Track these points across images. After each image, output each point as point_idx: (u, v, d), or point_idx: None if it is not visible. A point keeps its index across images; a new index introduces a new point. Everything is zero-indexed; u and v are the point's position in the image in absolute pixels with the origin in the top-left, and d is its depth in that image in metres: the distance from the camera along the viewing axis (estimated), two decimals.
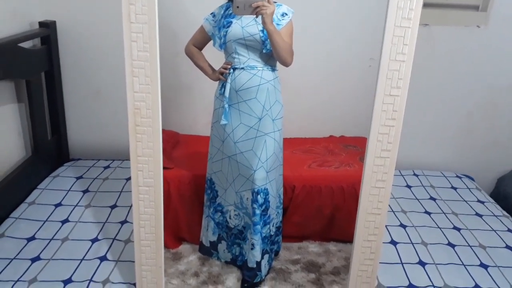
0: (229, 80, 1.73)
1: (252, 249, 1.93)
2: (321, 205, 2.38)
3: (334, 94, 2.79)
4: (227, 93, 1.73)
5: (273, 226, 2.02)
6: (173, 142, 2.58)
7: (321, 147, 2.78)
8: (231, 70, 1.73)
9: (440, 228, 1.99)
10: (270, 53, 1.68)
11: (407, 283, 1.60)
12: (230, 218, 1.99)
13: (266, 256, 2.05)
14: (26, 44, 2.14)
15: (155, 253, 1.32)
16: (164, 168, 2.31)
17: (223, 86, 1.76)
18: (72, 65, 2.46)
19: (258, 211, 1.86)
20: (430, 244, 1.85)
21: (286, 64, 1.67)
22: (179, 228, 2.34)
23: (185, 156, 2.49)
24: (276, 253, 2.18)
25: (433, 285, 1.60)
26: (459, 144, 2.73)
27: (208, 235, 2.12)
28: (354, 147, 2.80)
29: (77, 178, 2.26)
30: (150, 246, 1.32)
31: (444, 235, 1.93)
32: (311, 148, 2.79)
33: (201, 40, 1.85)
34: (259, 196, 1.83)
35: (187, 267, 2.24)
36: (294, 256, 2.34)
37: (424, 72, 2.57)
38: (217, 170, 1.95)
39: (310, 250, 2.43)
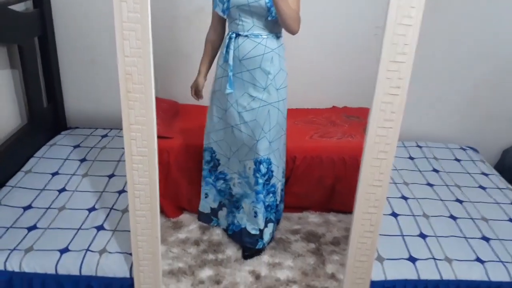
0: (232, 47, 1.67)
1: (255, 216, 1.93)
2: (322, 176, 2.36)
3: (337, 64, 2.71)
4: (230, 61, 1.68)
5: (278, 195, 2.00)
6: (173, 111, 2.54)
7: (323, 118, 2.74)
8: (234, 35, 1.67)
9: (442, 200, 1.96)
10: (276, 20, 1.61)
11: (407, 255, 1.59)
12: (234, 186, 1.99)
13: (270, 225, 2.05)
14: (17, 7, 2.06)
15: (150, 223, 1.30)
16: (164, 137, 2.33)
17: (226, 53, 1.71)
18: (67, 29, 2.38)
19: (261, 180, 1.86)
20: (432, 216, 1.83)
21: (292, 32, 1.60)
22: (179, 198, 2.34)
23: (186, 126, 2.45)
24: (277, 221, 2.18)
25: (433, 258, 1.58)
26: (464, 115, 2.66)
27: (208, 201, 2.13)
28: (357, 118, 2.76)
29: (74, 147, 2.23)
30: (146, 216, 1.29)
31: (446, 207, 1.90)
32: (313, 119, 2.76)
33: (217, 21, 1.78)
34: (261, 165, 1.82)
35: (187, 236, 2.25)
36: (294, 226, 2.34)
37: (428, 41, 2.47)
38: (219, 139, 1.92)
39: (310, 220, 2.43)
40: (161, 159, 2.25)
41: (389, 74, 1.14)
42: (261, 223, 1.95)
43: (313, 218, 2.44)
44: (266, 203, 1.95)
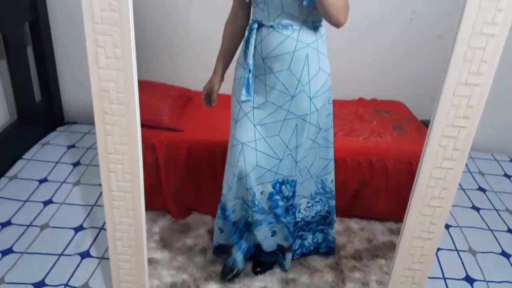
0: (252, 41, 1.30)
1: (272, 236, 1.63)
2: (346, 179, 2.12)
3: (367, 51, 2.42)
4: (250, 59, 1.30)
5: (301, 209, 1.69)
6: (184, 100, 2.29)
7: (349, 111, 2.49)
8: (255, 25, 1.29)
9: (491, 230, 1.65)
10: (314, 6, 1.23)
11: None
12: (233, 213, 1.61)
13: (298, 242, 1.75)
14: None
15: (136, 269, 1.04)
16: (172, 129, 2.09)
17: (246, 48, 1.33)
18: (62, 13, 2.10)
19: (281, 203, 1.53)
20: (480, 252, 1.53)
21: (337, 24, 1.22)
22: (187, 198, 2.13)
23: (198, 117, 2.20)
24: (331, 249, 1.88)
25: None
26: None
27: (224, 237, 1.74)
28: (387, 113, 2.49)
29: (69, 147, 1.99)
30: (130, 261, 1.04)
31: (497, 240, 1.60)
32: (338, 112, 2.49)
33: (238, 4, 1.38)
34: (283, 187, 1.50)
35: (195, 242, 2.03)
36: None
37: None
38: (227, 161, 1.54)
39: None
40: (169, 155, 2.03)
41: (456, 100, 0.83)
42: (281, 241, 1.64)
43: None
44: (292, 229, 1.63)
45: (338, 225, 2.20)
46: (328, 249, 1.82)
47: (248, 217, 1.59)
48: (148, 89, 2.37)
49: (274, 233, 1.62)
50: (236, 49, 1.45)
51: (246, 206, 1.56)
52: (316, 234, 1.78)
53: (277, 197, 1.52)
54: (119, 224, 0.99)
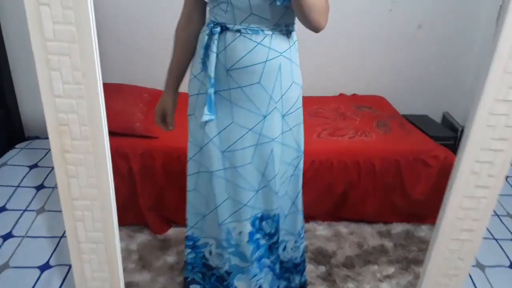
0: (214, 49, 1.07)
1: None
2: (333, 182, 2.10)
3: (345, 45, 2.41)
4: (212, 71, 1.08)
5: (288, 248, 1.49)
6: (157, 103, 2.14)
7: (330, 109, 2.46)
8: (217, 30, 1.07)
9: (496, 239, 1.56)
10: (288, 7, 1.05)
11: None
12: (210, 255, 1.36)
13: (283, 283, 1.53)
14: None
15: None
16: (146, 137, 1.94)
17: (205, 57, 1.10)
18: (16, 20, 1.90)
19: (263, 242, 1.32)
20: (488, 267, 1.43)
21: (317, 28, 1.04)
22: (166, 209, 2.06)
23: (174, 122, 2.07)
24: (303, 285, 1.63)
25: None
26: None
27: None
28: (369, 109, 2.48)
29: (31, 168, 1.77)
30: None
31: (504, 252, 1.50)
32: (319, 110, 2.45)
33: (192, 4, 1.17)
34: (264, 223, 1.29)
35: (176, 259, 1.91)
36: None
37: None
38: (191, 189, 1.33)
39: (318, 233, 2.14)
40: (144, 164, 1.88)
41: (492, 120, 0.70)
42: None
43: (321, 230, 2.15)
44: (278, 271, 1.41)
45: (327, 231, 2.10)
46: None
47: (225, 266, 1.33)
48: (118, 93, 2.20)
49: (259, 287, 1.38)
50: (190, 59, 1.23)
51: (220, 249, 1.31)
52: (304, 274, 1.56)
53: (258, 235, 1.30)
54: (91, 280, 0.81)
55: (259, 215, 1.27)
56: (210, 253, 1.35)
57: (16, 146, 1.92)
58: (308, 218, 2.14)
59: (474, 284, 1.36)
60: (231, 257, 1.30)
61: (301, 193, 1.39)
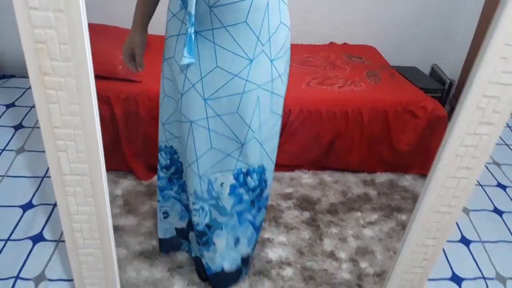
0: None
1: (235, 245, 1.35)
2: (320, 132, 2.06)
3: None
4: (192, 8, 0.96)
5: (263, 210, 1.41)
6: None
7: (320, 57, 2.39)
8: None
9: (481, 185, 1.58)
10: None
11: (449, 274, 1.23)
12: (192, 211, 1.30)
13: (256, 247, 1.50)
14: None
15: (102, 263, 0.85)
16: (130, 81, 1.85)
17: None
18: None
19: (246, 197, 1.25)
20: (473, 210, 1.46)
21: None
22: (152, 156, 1.95)
23: (157, 65, 1.97)
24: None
25: (482, 276, 1.23)
26: None
27: (172, 221, 1.45)
28: (360, 59, 2.42)
29: (7, 107, 1.68)
30: (94, 255, 0.84)
31: (487, 195, 1.53)
32: (309, 58, 2.38)
33: None
34: (249, 177, 1.22)
35: None
36: (286, 190, 2.02)
37: None
38: (175, 136, 1.24)
39: (304, 181, 2.13)
40: (128, 109, 1.81)
41: (507, 51, 0.66)
42: (245, 249, 1.37)
43: (306, 178, 2.14)
44: (257, 224, 1.37)
45: (311, 179, 2.10)
46: None
47: (203, 221, 1.27)
48: (99, 34, 2.07)
49: (237, 241, 1.34)
50: None
51: (200, 202, 1.23)
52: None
53: (241, 190, 1.24)
54: (76, 214, 0.78)
55: (244, 170, 1.19)
56: (192, 209, 1.27)
57: None
58: (294, 167, 2.13)
59: (458, 226, 1.39)
60: (212, 210, 1.24)
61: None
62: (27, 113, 1.67)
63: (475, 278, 1.22)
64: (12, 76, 1.93)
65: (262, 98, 1.09)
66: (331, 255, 1.77)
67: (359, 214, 1.95)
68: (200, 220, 1.25)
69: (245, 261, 1.41)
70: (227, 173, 1.17)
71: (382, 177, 2.15)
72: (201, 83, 1.06)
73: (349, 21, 2.46)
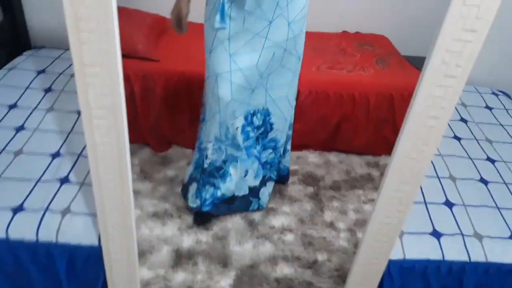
0: None
1: (245, 176, 1.61)
2: (328, 113, 2.17)
3: None
4: None
5: (278, 151, 1.67)
6: (160, 29, 2.18)
7: (332, 44, 2.47)
8: None
9: (471, 158, 1.68)
10: None
11: (430, 229, 1.34)
12: (206, 158, 1.54)
13: (270, 184, 1.74)
14: None
15: (120, 188, 1.01)
16: (148, 59, 2.00)
17: None
18: None
19: (252, 134, 1.49)
20: (460, 179, 1.56)
21: None
22: (166, 131, 2.11)
23: (174, 47, 2.12)
24: (283, 179, 1.87)
25: (461, 233, 1.34)
26: (500, 53, 2.28)
27: (248, 180, 1.66)
28: (371, 47, 2.48)
29: (39, 73, 1.85)
30: (113, 182, 0.99)
31: (476, 168, 1.63)
32: (321, 45, 2.49)
33: None
34: (255, 117, 1.45)
35: (176, 173, 2.06)
36: (292, 166, 2.17)
37: None
38: (207, 92, 1.48)
39: (310, 160, 2.26)
40: (145, 86, 1.96)
41: (464, 11, 0.77)
42: (251, 181, 1.63)
43: (312, 158, 2.27)
44: (263, 160, 1.61)
45: (317, 158, 2.23)
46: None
47: (220, 158, 1.52)
48: (121, 16, 2.21)
49: (246, 173, 1.59)
50: None
51: (219, 144, 1.49)
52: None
53: (249, 128, 1.48)
54: (101, 144, 0.93)
55: (252, 111, 1.42)
56: (207, 156, 1.53)
57: (24, 54, 1.99)
58: (301, 146, 2.25)
59: (444, 191, 1.50)
60: (228, 148, 1.47)
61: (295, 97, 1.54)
62: (56, 79, 1.84)
63: (453, 234, 1.33)
64: (42, 47, 2.11)
65: (276, 54, 1.32)
66: (331, 225, 1.91)
67: (360, 192, 2.08)
68: (218, 157, 1.50)
69: (253, 192, 1.66)
70: (240, 117, 1.41)
71: (386, 160, 2.26)
72: (228, 42, 1.28)
73: (362, 10, 2.53)
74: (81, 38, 0.77)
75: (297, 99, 2.04)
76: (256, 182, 1.65)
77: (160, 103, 2.00)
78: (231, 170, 1.55)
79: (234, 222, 1.80)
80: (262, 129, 1.52)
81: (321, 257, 1.75)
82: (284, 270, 1.68)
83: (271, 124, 1.52)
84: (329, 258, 1.76)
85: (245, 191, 1.65)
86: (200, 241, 1.72)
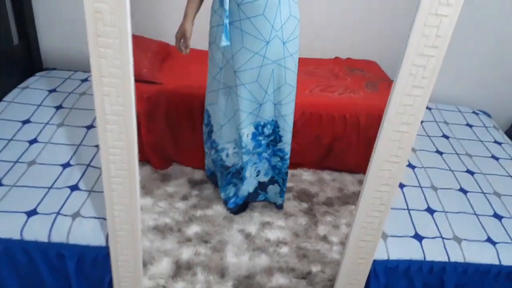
0: None
1: (257, 175, 1.81)
2: (320, 134, 2.26)
3: (344, 11, 2.46)
4: (226, 5, 1.38)
5: (286, 163, 1.83)
6: (163, 54, 2.32)
7: (325, 69, 2.59)
8: None
9: (452, 170, 1.80)
10: None
11: (413, 233, 1.45)
12: (227, 157, 1.77)
13: (277, 187, 1.91)
14: None
15: (128, 192, 1.12)
16: (152, 82, 2.13)
17: None
18: None
19: (264, 141, 1.68)
20: (441, 189, 1.68)
21: None
22: (167, 149, 2.20)
23: (176, 71, 2.25)
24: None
25: (441, 236, 1.44)
26: (480, 76, 2.45)
27: (260, 177, 1.91)
28: (361, 71, 2.61)
29: (50, 92, 1.99)
30: (123, 184, 1.11)
31: (456, 179, 1.75)
32: (314, 70, 2.61)
33: None
34: (265, 128, 1.63)
35: (175, 190, 2.14)
36: (287, 184, 2.23)
37: None
38: (213, 103, 1.68)
39: (304, 178, 2.35)
40: (148, 107, 2.08)
41: (426, 31, 0.92)
42: (262, 177, 1.83)
43: (306, 176, 2.36)
44: (273, 163, 1.78)
45: (311, 176, 2.33)
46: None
47: (239, 162, 1.74)
48: None
49: (258, 173, 1.79)
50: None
51: (237, 149, 1.69)
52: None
53: (260, 137, 1.66)
54: (112, 147, 1.05)
55: (262, 123, 1.60)
56: (227, 155, 1.74)
57: (36, 74, 2.13)
58: (295, 165, 2.35)
59: (425, 199, 1.62)
60: (243, 156, 1.68)
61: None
62: (66, 97, 1.97)
63: (434, 237, 1.44)
64: (53, 68, 2.26)
65: (276, 71, 1.49)
66: (324, 238, 2.01)
67: (353, 207, 2.17)
68: (238, 161, 1.72)
69: (262, 186, 1.86)
70: (250, 125, 1.60)
71: None
72: (232, 59, 1.47)
73: (354, 38, 2.67)
74: (100, 52, 0.91)
75: None
76: (266, 179, 1.84)
77: (162, 122, 2.11)
78: (247, 174, 1.75)
79: (230, 236, 1.89)
80: (272, 137, 1.69)
81: (315, 268, 1.84)
82: (280, 280, 1.77)
83: (280, 136, 1.68)
84: (322, 270, 1.84)
85: (255, 185, 1.85)
86: (198, 253, 1.81)
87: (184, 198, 2.06)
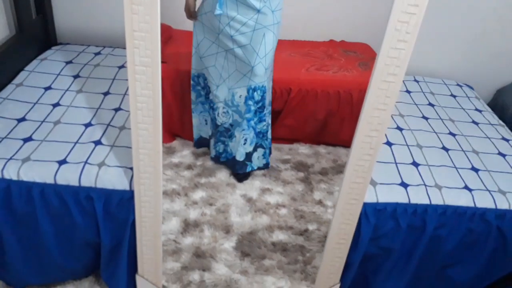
0: None
1: (244, 144, 1.96)
2: (316, 109, 2.40)
3: None
4: None
5: (267, 122, 2.02)
6: (166, 36, 2.47)
7: (320, 51, 2.73)
8: None
9: (436, 132, 1.99)
10: None
11: (399, 181, 1.64)
12: (218, 116, 1.98)
13: (261, 150, 2.08)
14: None
15: (152, 137, 1.29)
16: None
17: None
18: None
19: (253, 108, 1.85)
20: (425, 147, 1.86)
21: None
22: (172, 124, 2.35)
23: (179, 52, 2.40)
24: (269, 149, 2.21)
25: (424, 184, 1.63)
26: (465, 52, 2.63)
27: (207, 129, 2.15)
28: (354, 53, 2.76)
29: (67, 63, 2.14)
30: (148, 129, 1.28)
31: (439, 139, 1.94)
32: (310, 51, 2.75)
33: None
34: (255, 93, 1.81)
35: (180, 161, 2.29)
36: (284, 156, 2.41)
37: None
38: (210, 65, 1.88)
39: (300, 151, 2.50)
40: None
41: (398, 25, 1.10)
42: (248, 147, 1.99)
43: (303, 149, 2.52)
44: (257, 130, 1.96)
45: (307, 150, 2.50)
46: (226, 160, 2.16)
47: (228, 121, 1.95)
48: None
49: (245, 141, 1.96)
50: None
51: (227, 108, 1.89)
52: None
53: (250, 102, 1.84)
54: (140, 96, 1.22)
55: (253, 86, 1.77)
56: (218, 114, 1.93)
57: (52, 48, 2.28)
58: (292, 140, 2.50)
59: (411, 155, 1.80)
60: (233, 114, 1.87)
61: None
62: (82, 68, 2.12)
63: (418, 185, 1.63)
64: (68, 43, 2.41)
65: (267, 36, 1.69)
66: (320, 202, 2.19)
67: None
68: (227, 120, 1.92)
69: (248, 156, 2.02)
70: (243, 88, 1.78)
71: None
72: (228, 26, 1.68)
73: (348, 21, 2.78)
74: (133, 9, 1.08)
75: (288, 95, 2.32)
76: (250, 148, 2.01)
77: (166, 99, 2.24)
78: (236, 133, 1.94)
79: (234, 200, 2.07)
80: (260, 104, 1.87)
81: (311, 227, 2.03)
82: (280, 236, 1.96)
83: (265, 100, 1.88)
84: (318, 228, 2.03)
85: (243, 155, 2.01)
86: (205, 214, 2.00)
87: (189, 167, 2.23)
